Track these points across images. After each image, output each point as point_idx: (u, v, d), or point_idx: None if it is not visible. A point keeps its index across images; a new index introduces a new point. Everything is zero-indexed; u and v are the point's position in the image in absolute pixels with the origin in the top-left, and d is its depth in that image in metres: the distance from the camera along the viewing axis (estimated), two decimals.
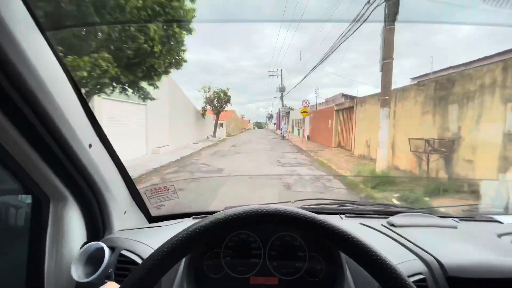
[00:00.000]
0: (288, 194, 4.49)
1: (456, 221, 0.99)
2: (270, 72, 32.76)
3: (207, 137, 19.03)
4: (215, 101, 18.63)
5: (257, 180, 5.90)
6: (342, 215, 1.05)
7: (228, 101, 18.86)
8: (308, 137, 19.36)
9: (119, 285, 0.42)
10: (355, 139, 10.48)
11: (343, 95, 28.36)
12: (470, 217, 1.07)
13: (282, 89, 32.00)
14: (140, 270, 0.41)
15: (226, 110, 19.69)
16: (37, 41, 0.51)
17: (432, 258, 0.67)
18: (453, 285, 0.63)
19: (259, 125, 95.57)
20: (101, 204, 0.79)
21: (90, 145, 0.68)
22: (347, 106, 11.58)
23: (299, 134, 25.64)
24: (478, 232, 0.91)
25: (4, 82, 0.47)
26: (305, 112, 17.86)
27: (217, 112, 18.97)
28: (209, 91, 18.34)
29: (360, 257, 0.43)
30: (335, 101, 24.82)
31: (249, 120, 67.02)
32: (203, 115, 18.26)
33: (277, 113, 52.12)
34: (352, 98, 22.35)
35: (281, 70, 32.69)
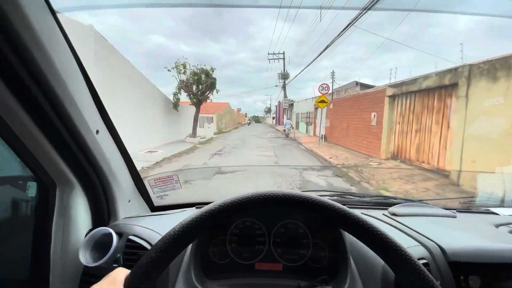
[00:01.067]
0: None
1: (454, 212, 0.99)
2: (270, 56, 26.96)
3: (186, 137, 13.40)
4: (194, 86, 12.88)
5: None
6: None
7: (212, 86, 13.11)
8: (324, 137, 13.85)
9: (129, 270, 0.42)
10: (462, 152, 4.95)
11: (357, 83, 23.04)
12: (468, 209, 1.10)
13: (284, 76, 26.25)
14: (150, 254, 0.41)
15: (210, 99, 13.97)
16: (50, 26, 0.51)
17: (434, 244, 0.68)
18: (454, 269, 0.64)
19: (256, 119, 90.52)
20: (106, 191, 0.78)
21: (97, 131, 0.67)
22: (431, 86, 5.95)
23: (307, 132, 20.13)
24: (476, 223, 0.92)
25: (17, 65, 0.47)
26: (323, 102, 12.33)
27: (198, 101, 13.23)
28: (184, 72, 12.61)
29: (371, 240, 0.43)
30: (348, 91, 19.43)
31: (246, 113, 61.08)
32: (175, 105, 12.52)
33: (276, 106, 46.48)
34: (367, 86, 17.01)
35: (284, 53, 26.91)
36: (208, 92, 13.28)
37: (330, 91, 14.97)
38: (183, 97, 13.32)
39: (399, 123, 7.40)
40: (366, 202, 1.10)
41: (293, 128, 22.13)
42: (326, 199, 0.45)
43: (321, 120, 13.19)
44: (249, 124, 48.83)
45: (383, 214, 0.93)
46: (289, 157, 9.63)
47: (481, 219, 0.95)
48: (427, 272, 0.40)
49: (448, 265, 0.64)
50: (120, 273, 0.41)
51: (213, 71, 13.12)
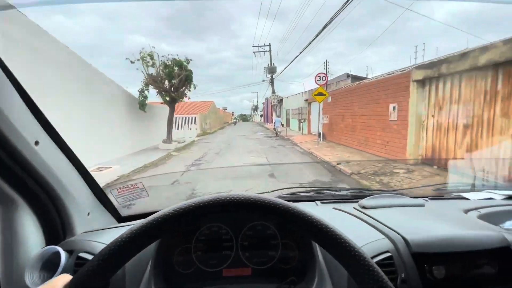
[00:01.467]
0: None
1: (425, 200, 1.00)
2: (255, 48, 24.84)
3: (162, 142, 11.11)
4: (166, 81, 10.59)
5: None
6: (317, 202, 1.04)
7: (188, 80, 10.84)
8: (322, 135, 12.01)
9: (71, 276, 0.40)
10: None
11: (348, 75, 21.56)
12: (440, 196, 1.10)
13: (272, 70, 24.23)
14: (92, 262, 0.38)
15: (188, 97, 11.70)
16: None
17: (398, 236, 0.67)
18: (418, 260, 0.63)
19: (244, 118, 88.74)
20: (58, 205, 0.71)
21: (36, 142, 0.61)
22: (496, 60, 4.06)
23: (300, 129, 18.27)
24: (446, 209, 0.92)
25: None
26: (321, 94, 10.45)
27: (171, 99, 10.93)
28: (152, 64, 10.29)
29: (320, 238, 0.41)
30: (339, 84, 17.86)
31: (233, 112, 58.51)
32: (142, 105, 10.18)
33: (264, 103, 44.57)
34: (359, 78, 15.40)
35: (270, 45, 24.85)
36: (183, 88, 11.02)
37: (309, 88, 13.07)
38: (154, 95, 11.04)
39: (433, 116, 5.56)
40: (341, 196, 1.09)
41: (283, 125, 20.27)
42: (272, 198, 0.43)
43: (319, 116, 11.30)
44: (235, 123, 45.44)
45: (354, 208, 0.92)
46: (286, 164, 7.66)
47: (451, 205, 0.97)
48: (378, 269, 0.39)
49: (412, 256, 0.63)
50: (60, 280, 0.39)
51: (188, 63, 10.87)
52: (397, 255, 0.63)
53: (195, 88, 11.25)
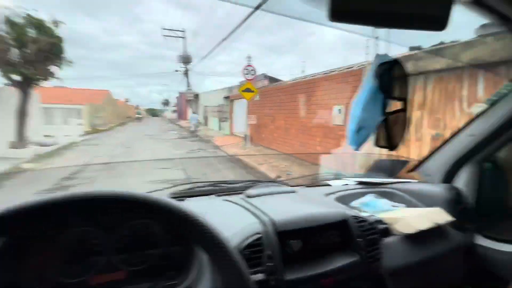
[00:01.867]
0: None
1: (303, 188, 1.21)
2: (166, 32, 21.14)
3: (9, 147, 6.80)
4: (13, 50, 6.47)
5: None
6: (213, 195, 1.08)
7: (56, 51, 7.00)
8: (249, 137, 10.56)
9: None
10: None
11: (265, 76, 21.46)
12: (312, 184, 1.34)
13: (186, 59, 21.19)
14: None
15: (58, 78, 7.70)
16: None
17: (268, 218, 0.76)
18: (283, 238, 0.73)
19: (153, 113, 79.59)
20: None
21: None
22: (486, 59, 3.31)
23: (220, 129, 16.42)
24: (313, 195, 1.11)
25: None
26: (248, 90, 8.91)
27: (25, 79, 6.82)
28: None
29: (187, 230, 0.42)
30: (257, 84, 17.39)
31: (137, 105, 50.22)
32: None
33: (177, 98, 40.21)
34: (275, 80, 15.30)
35: (184, 31, 21.73)
36: (47, 63, 7.13)
37: (231, 85, 11.67)
38: None
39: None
40: (235, 188, 1.14)
41: (200, 123, 17.95)
42: (137, 192, 0.40)
43: (246, 116, 9.74)
44: (140, 119, 37.52)
45: (241, 198, 0.98)
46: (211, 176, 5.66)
47: (318, 191, 1.15)
48: (236, 257, 0.42)
49: (277, 234, 0.72)
50: None
51: (57, 26, 7.07)
52: (265, 235, 0.71)
53: (70, 65, 7.51)
